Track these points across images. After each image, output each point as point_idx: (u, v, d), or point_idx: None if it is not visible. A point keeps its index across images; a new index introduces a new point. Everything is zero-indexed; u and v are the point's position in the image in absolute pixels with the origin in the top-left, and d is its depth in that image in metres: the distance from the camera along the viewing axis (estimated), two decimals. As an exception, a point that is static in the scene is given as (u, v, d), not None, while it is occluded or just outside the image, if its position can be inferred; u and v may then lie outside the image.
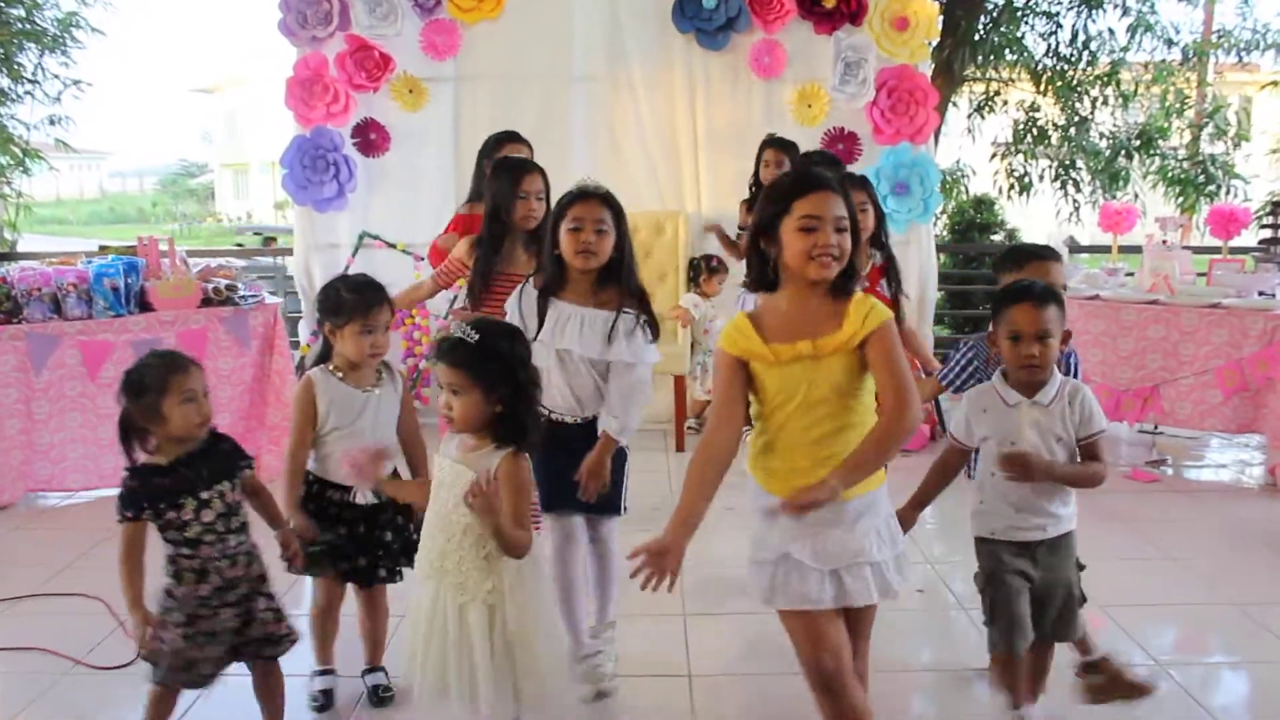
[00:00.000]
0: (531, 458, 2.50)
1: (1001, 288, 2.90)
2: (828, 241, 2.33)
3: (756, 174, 5.44)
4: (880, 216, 3.89)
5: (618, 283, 3.13)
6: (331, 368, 3.05)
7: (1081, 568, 2.90)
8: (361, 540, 3.06)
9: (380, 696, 3.20)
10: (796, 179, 2.44)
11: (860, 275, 2.48)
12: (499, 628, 2.46)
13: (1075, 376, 3.02)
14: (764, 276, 2.45)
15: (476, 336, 2.42)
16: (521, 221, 3.68)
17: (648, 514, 4.84)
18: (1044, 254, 3.25)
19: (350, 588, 3.19)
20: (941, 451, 2.93)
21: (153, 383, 2.59)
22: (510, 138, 4.50)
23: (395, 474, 3.10)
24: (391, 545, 3.11)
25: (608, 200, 3.13)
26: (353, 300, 2.97)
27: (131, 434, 2.63)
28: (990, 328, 2.84)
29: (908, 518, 2.83)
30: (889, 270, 3.91)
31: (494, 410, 2.43)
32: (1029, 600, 2.81)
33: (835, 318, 2.37)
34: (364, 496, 3.02)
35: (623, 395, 3.11)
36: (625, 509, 3.31)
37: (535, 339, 3.04)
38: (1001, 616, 2.80)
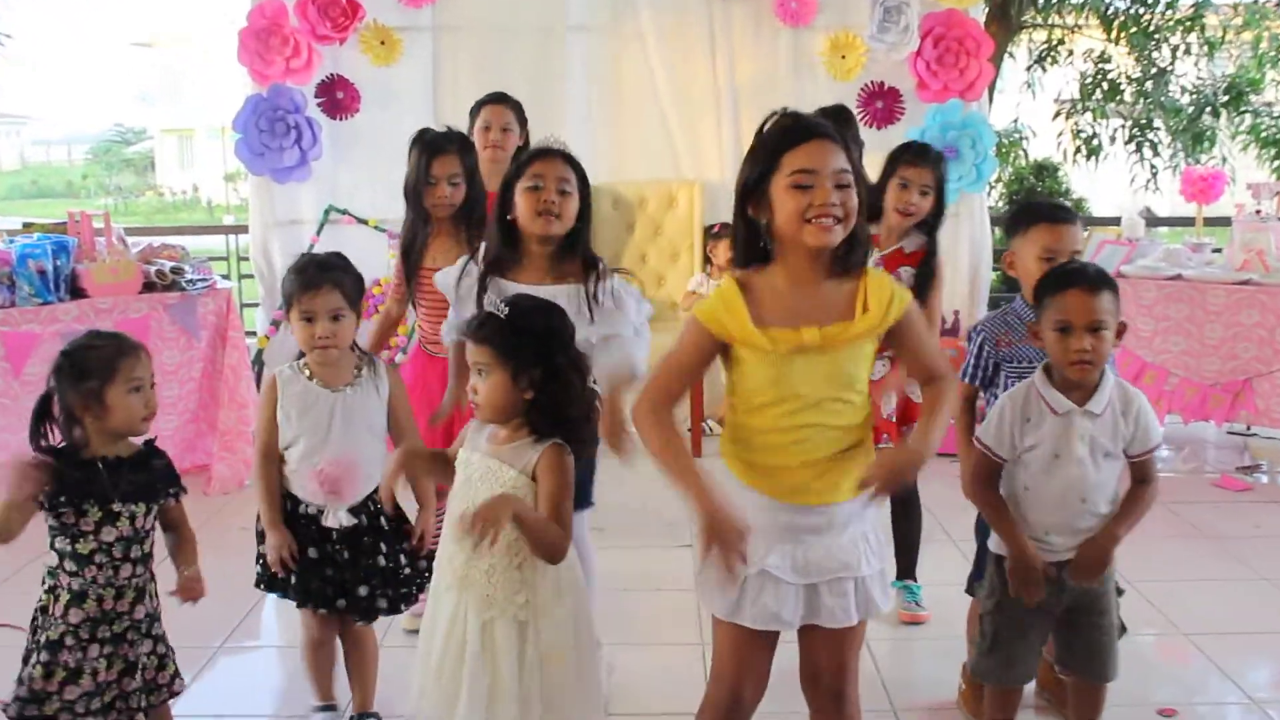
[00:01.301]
0: (580, 460, 2.51)
1: (1045, 272, 2.83)
2: (826, 199, 2.23)
3: None
4: (940, 205, 3.78)
5: (579, 255, 3.15)
6: (302, 364, 3.06)
7: (1120, 592, 2.89)
8: (346, 567, 3.03)
9: None
10: (785, 128, 2.34)
11: (866, 245, 2.39)
12: (531, 646, 2.46)
13: None
14: (752, 249, 2.36)
15: (507, 310, 2.46)
16: (432, 209, 3.79)
17: (662, 530, 4.89)
18: (1054, 215, 3.16)
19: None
20: (971, 474, 2.84)
21: (98, 366, 2.61)
22: (489, 100, 4.45)
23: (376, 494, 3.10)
24: (395, 572, 3.08)
25: (572, 161, 3.15)
26: (290, 282, 2.99)
27: (50, 421, 2.65)
28: (1034, 317, 2.79)
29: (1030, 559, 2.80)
30: (924, 268, 3.76)
31: (523, 396, 2.45)
32: (1042, 634, 2.81)
33: (847, 300, 2.32)
34: (335, 518, 3.01)
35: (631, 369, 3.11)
36: (593, 502, 3.34)
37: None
38: (1000, 650, 2.81)
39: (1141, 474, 2.74)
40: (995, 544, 2.82)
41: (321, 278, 2.97)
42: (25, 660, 2.68)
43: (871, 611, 2.44)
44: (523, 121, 4.39)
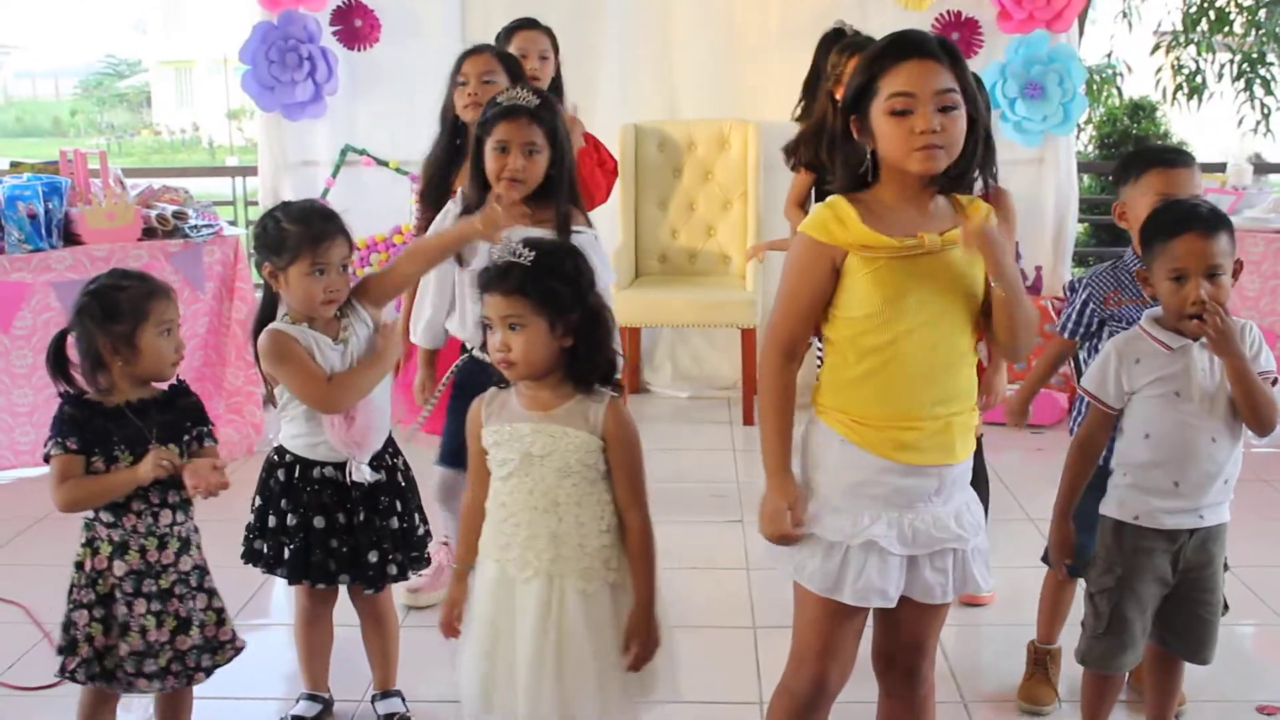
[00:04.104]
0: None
1: (1152, 212, 2.84)
2: (927, 125, 2.26)
3: (812, 89, 4.96)
4: (988, 141, 3.76)
5: (556, 200, 3.36)
6: (290, 321, 3.03)
7: (1225, 568, 2.90)
8: (359, 531, 3.08)
9: None
10: (882, 47, 2.37)
11: (974, 170, 2.43)
12: (619, 612, 2.56)
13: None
14: (853, 175, 2.40)
15: (532, 255, 2.48)
16: (462, 112, 3.97)
17: (711, 504, 4.92)
18: (1169, 159, 3.16)
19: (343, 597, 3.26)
20: (1080, 428, 2.91)
21: (130, 307, 2.71)
22: (520, 26, 4.52)
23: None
24: (408, 533, 3.16)
25: (538, 116, 3.30)
26: (297, 233, 2.96)
27: (67, 366, 2.73)
28: (1142, 264, 2.82)
29: (1065, 534, 2.90)
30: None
31: (561, 344, 2.49)
32: (1153, 611, 2.82)
33: (952, 215, 2.39)
34: (360, 473, 3.05)
35: None
36: None
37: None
38: (1117, 631, 2.81)
39: None
40: (1112, 506, 2.82)
41: (333, 226, 3.01)
42: (66, 627, 2.77)
43: (968, 586, 2.48)
44: (556, 49, 4.49)
